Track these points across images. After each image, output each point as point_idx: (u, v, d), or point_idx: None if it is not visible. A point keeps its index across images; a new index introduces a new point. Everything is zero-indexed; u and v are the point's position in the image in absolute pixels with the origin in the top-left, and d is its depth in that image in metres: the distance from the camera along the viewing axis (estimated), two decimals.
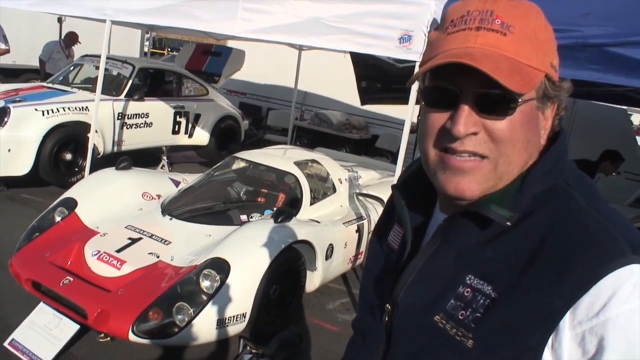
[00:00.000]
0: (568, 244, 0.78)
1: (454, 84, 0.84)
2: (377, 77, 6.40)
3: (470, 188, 0.86)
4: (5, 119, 5.76)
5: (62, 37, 9.82)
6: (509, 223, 0.84)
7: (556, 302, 0.76)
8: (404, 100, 3.97)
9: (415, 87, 3.92)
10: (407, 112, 4.00)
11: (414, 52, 3.77)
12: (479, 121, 0.83)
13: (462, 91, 0.83)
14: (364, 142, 10.62)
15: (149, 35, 10.69)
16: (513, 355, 0.79)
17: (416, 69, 3.81)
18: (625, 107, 7.98)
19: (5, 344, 3.29)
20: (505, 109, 0.82)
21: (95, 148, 6.13)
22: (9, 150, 5.78)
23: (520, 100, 0.82)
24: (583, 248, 0.77)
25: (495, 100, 0.82)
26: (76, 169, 6.51)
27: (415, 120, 4.37)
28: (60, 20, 11.25)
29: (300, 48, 8.49)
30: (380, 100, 6.76)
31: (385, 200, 4.56)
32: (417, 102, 4.28)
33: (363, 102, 7.06)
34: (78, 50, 9.64)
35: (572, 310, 0.76)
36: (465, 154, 0.85)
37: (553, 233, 0.80)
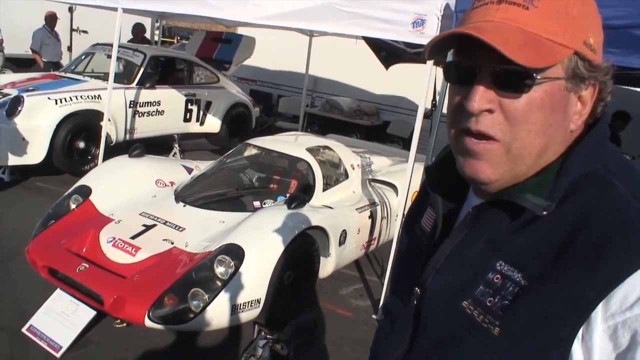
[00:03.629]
0: (603, 233, 0.75)
1: (473, 59, 0.81)
2: (393, 51, 6.39)
3: (485, 171, 0.84)
4: (19, 108, 5.80)
5: (44, 21, 9.75)
6: (545, 213, 0.80)
7: (588, 293, 0.73)
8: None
9: (429, 71, 3.89)
10: (421, 97, 3.96)
11: (427, 36, 3.72)
12: (496, 99, 0.80)
13: (480, 67, 0.80)
14: (375, 129, 10.57)
15: (158, 24, 10.67)
16: (540, 345, 0.77)
17: None
18: None
19: (24, 329, 3.34)
20: (521, 85, 0.78)
21: (107, 136, 6.15)
22: (23, 139, 5.82)
23: (539, 77, 0.78)
24: (619, 237, 0.73)
25: (511, 76, 0.78)
26: (89, 157, 6.56)
27: (429, 105, 4.33)
28: (71, 9, 11.26)
29: (310, 34, 8.43)
30: (404, 60, 6.73)
31: (398, 186, 4.52)
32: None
33: (387, 66, 7.03)
34: (87, 41, 9.64)
35: (605, 302, 0.73)
36: (478, 135, 0.82)
37: (588, 221, 0.77)
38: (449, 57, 0.89)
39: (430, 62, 3.82)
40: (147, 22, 10.39)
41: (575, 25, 0.80)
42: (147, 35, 10.39)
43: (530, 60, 0.75)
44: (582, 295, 0.73)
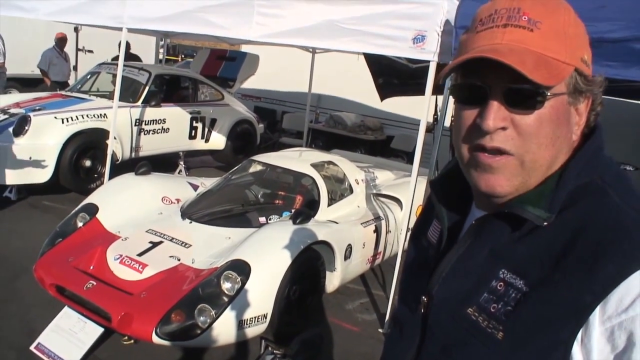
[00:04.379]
0: (600, 240, 0.79)
1: (483, 80, 0.85)
2: (393, 74, 6.40)
3: (501, 184, 0.88)
4: (26, 127, 5.86)
5: (54, 41, 9.98)
6: (545, 223, 0.85)
7: (586, 297, 0.77)
8: (423, 92, 3.98)
9: (430, 86, 3.94)
10: (423, 112, 4.00)
11: (428, 52, 3.78)
12: (508, 116, 0.84)
13: (491, 87, 0.85)
14: (379, 143, 10.60)
15: (162, 42, 10.79)
16: (542, 348, 0.80)
17: (430, 69, 3.85)
18: None
19: (32, 347, 3.36)
20: (533, 102, 0.83)
21: (113, 154, 6.20)
22: (30, 158, 5.88)
23: (549, 94, 0.83)
24: (615, 244, 0.78)
25: (523, 94, 0.83)
26: (95, 176, 6.59)
27: (430, 119, 4.36)
28: (76, 29, 11.42)
29: (313, 51, 8.51)
30: (400, 93, 6.74)
31: (402, 200, 4.55)
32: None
33: (382, 98, 7.03)
34: (92, 60, 9.77)
35: (602, 305, 0.76)
36: (493, 151, 0.86)
37: (585, 229, 0.81)
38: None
39: (431, 75, 3.86)
40: (151, 40, 10.52)
41: (573, 44, 0.86)
42: (152, 52, 10.52)
43: (545, 78, 0.80)
44: (581, 299, 0.77)
